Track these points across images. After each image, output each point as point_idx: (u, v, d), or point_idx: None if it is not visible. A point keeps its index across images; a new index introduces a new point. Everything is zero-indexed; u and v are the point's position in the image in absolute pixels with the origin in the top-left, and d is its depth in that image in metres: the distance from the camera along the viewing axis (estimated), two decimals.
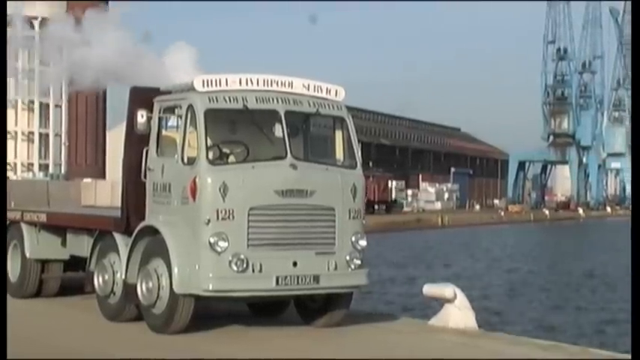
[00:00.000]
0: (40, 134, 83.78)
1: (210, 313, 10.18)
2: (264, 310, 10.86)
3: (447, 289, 10.52)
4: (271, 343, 9.46)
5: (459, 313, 10.39)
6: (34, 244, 12.14)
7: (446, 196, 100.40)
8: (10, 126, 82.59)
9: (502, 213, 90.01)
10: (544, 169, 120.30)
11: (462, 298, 10.49)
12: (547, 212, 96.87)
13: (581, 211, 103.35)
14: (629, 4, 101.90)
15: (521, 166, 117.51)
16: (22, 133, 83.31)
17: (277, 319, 10.71)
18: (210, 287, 9.09)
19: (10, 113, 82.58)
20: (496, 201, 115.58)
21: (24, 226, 12.27)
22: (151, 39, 12.86)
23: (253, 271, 9.16)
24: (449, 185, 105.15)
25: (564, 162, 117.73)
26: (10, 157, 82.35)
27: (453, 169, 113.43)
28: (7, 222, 12.73)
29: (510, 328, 16.82)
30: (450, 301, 10.45)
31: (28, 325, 10.58)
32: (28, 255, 12.14)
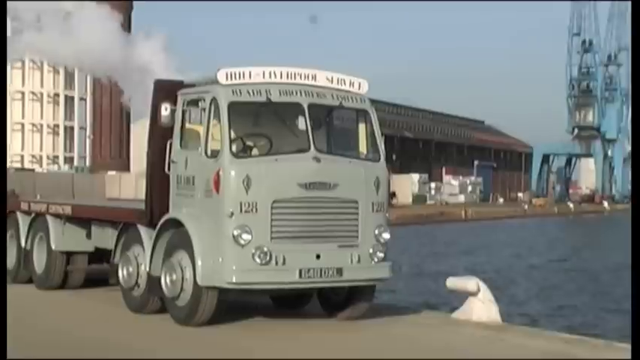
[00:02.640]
0: (65, 127, 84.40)
1: (233, 305, 10.23)
2: (287, 303, 10.89)
3: (470, 283, 10.50)
4: (294, 336, 9.49)
5: (482, 307, 10.37)
6: (60, 236, 12.24)
7: (469, 189, 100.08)
8: (36, 119, 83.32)
9: (526, 206, 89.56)
10: (568, 162, 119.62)
11: (485, 292, 10.47)
12: (571, 206, 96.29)
13: (605, 204, 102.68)
14: None
15: (546, 159, 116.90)
16: (48, 126, 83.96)
17: (300, 311, 10.74)
18: (234, 280, 9.13)
19: (36, 106, 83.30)
20: (520, 194, 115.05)
21: (49, 219, 12.37)
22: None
23: (276, 263, 9.18)
24: (472, 178, 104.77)
25: (589, 155, 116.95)
26: (35, 150, 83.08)
27: (476, 162, 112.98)
28: (33, 214, 12.84)
29: (534, 322, 16.78)
30: (473, 294, 10.43)
31: (53, 317, 10.68)
32: (53, 247, 12.23)
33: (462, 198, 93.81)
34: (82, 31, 13.04)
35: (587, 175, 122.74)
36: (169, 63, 12.16)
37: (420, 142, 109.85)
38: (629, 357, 7.58)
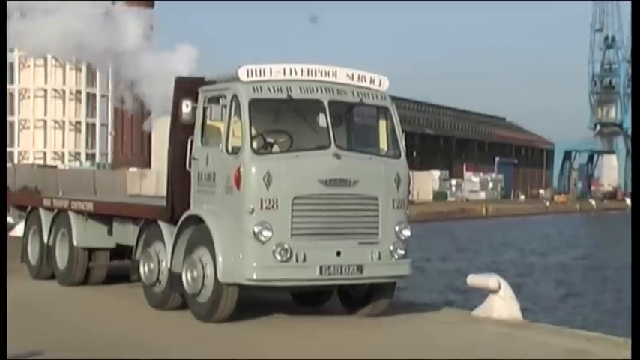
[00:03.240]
0: (87, 124, 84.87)
1: (254, 302, 10.25)
2: (307, 300, 10.90)
3: (491, 280, 10.47)
4: (314, 332, 9.50)
5: (503, 304, 10.34)
6: (82, 233, 12.31)
7: (490, 186, 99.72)
8: (58, 116, 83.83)
9: (547, 203, 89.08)
10: (590, 158, 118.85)
11: (506, 289, 10.43)
12: (593, 203, 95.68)
13: (628, 201, 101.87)
14: None
15: (567, 155, 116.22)
16: (70, 123, 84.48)
17: (320, 308, 10.75)
18: (254, 276, 9.15)
19: (58, 103, 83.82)
20: (541, 191, 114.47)
21: (72, 215, 12.44)
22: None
23: (297, 260, 9.19)
24: (493, 175, 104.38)
25: (611, 152, 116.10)
26: (58, 147, 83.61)
27: (497, 159, 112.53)
28: (56, 211, 12.93)
29: (555, 320, 16.69)
30: (494, 291, 10.40)
31: (75, 313, 10.75)
32: (75, 243, 12.31)
33: (482, 195, 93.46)
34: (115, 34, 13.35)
35: (610, 171, 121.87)
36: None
37: (441, 138, 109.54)
38: None
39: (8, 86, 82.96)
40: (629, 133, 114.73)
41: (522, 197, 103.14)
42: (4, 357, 6.88)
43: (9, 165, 41.92)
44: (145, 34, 14.03)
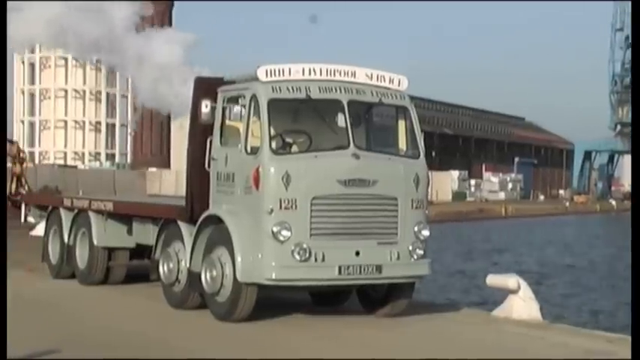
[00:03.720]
0: (107, 124, 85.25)
1: (273, 301, 10.26)
2: (326, 300, 10.90)
3: (510, 280, 10.43)
4: (332, 332, 9.50)
5: (522, 304, 10.30)
6: (102, 232, 12.36)
7: (509, 186, 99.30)
8: (78, 116, 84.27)
9: (567, 204, 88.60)
10: (611, 158, 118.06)
11: (525, 289, 10.39)
12: (614, 203, 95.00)
13: None
14: None
15: (588, 156, 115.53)
16: (90, 123, 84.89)
17: (339, 308, 10.74)
18: (273, 276, 9.16)
19: (79, 103, 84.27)
20: (561, 191, 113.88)
21: (92, 215, 12.50)
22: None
23: (316, 260, 9.20)
24: (512, 175, 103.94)
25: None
26: (78, 147, 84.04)
27: (516, 159, 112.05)
28: (76, 210, 12.99)
29: (575, 320, 16.60)
30: (513, 291, 10.36)
31: (94, 312, 10.80)
32: (95, 243, 12.37)
33: (502, 195, 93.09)
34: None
35: (630, 171, 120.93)
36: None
37: (460, 138, 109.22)
38: None
39: (29, 87, 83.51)
40: None
41: (542, 197, 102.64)
42: (4, 357, 6.92)
43: (30, 165, 42.19)
44: (134, 23, 14.24)
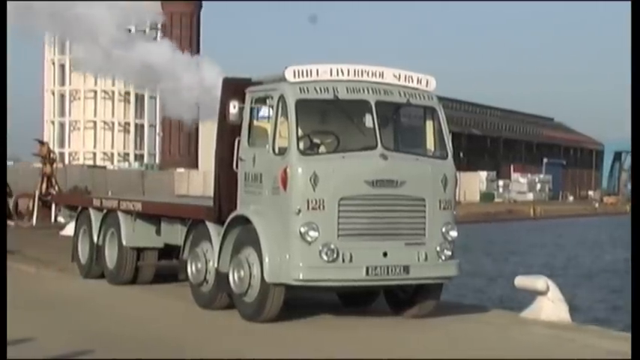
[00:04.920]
0: (136, 125, 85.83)
1: (300, 302, 10.27)
2: (353, 300, 10.89)
3: (539, 282, 10.37)
4: (360, 333, 9.49)
5: (551, 306, 10.23)
6: (131, 232, 12.43)
7: (538, 187, 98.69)
8: (107, 117, 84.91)
9: (596, 205, 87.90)
10: None
11: (554, 291, 10.32)
12: None
13: None
14: None
15: (617, 156, 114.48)
16: (119, 124, 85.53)
17: (367, 309, 10.73)
18: (301, 277, 9.16)
19: (108, 104, 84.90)
20: (590, 192, 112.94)
21: (120, 215, 12.58)
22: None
23: (343, 260, 9.19)
24: (541, 176, 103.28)
25: None
26: (107, 148, 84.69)
27: (545, 160, 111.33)
28: (105, 211, 13.08)
29: (605, 323, 16.45)
30: (542, 293, 10.30)
31: (123, 311, 10.87)
32: (124, 243, 12.44)
33: (530, 196, 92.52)
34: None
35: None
36: None
37: (488, 139, 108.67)
38: None
39: (59, 88, 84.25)
40: None
41: (571, 198, 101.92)
42: (4, 357, 6.99)
43: (60, 165, 42.56)
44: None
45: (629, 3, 9.21)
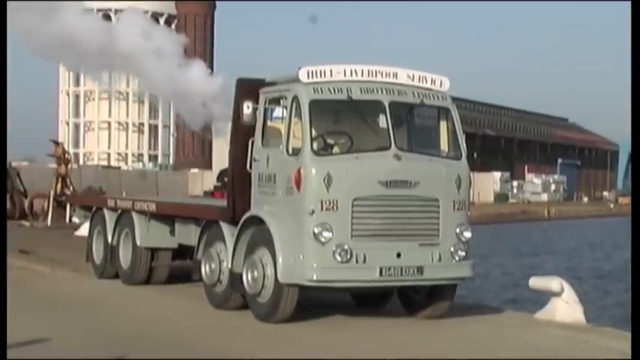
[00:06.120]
0: (150, 125, 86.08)
1: (314, 302, 10.27)
2: (367, 301, 10.88)
3: (553, 282, 10.33)
4: (374, 334, 9.49)
5: (566, 307, 10.19)
6: (145, 233, 12.47)
7: (552, 187, 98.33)
8: (122, 117, 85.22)
9: (611, 205, 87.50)
10: None
11: (569, 292, 10.28)
12: None
13: None
14: None
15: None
16: (133, 125, 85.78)
17: (380, 310, 10.72)
18: (315, 277, 9.17)
19: (122, 105, 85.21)
20: (605, 193, 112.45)
21: (135, 215, 12.61)
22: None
23: (357, 261, 9.19)
24: (556, 177, 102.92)
25: None
26: (121, 148, 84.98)
27: (560, 160, 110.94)
28: (119, 211, 13.12)
29: (620, 324, 16.38)
30: (557, 294, 10.26)
31: (138, 312, 10.90)
32: (138, 243, 12.47)
33: (544, 197, 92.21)
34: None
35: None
36: None
37: (502, 139, 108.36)
38: None
39: (74, 88, 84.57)
40: None
41: (586, 199, 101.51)
42: (4, 357, 7.01)
43: (74, 166, 42.74)
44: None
45: None
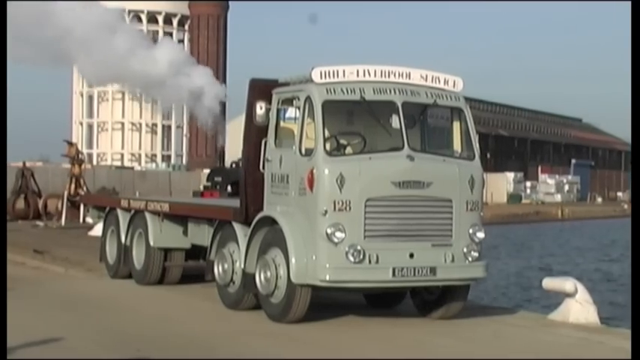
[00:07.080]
0: (163, 126, 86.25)
1: (327, 303, 10.27)
2: (380, 301, 10.88)
3: (567, 283, 10.29)
4: (386, 334, 9.48)
5: (579, 308, 10.15)
6: (158, 233, 12.49)
7: (566, 188, 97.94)
8: (135, 118, 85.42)
9: (625, 206, 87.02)
10: None
11: (583, 293, 10.24)
12: None
13: None
14: None
15: None
16: (146, 125, 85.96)
17: (393, 310, 10.72)
18: (327, 278, 9.16)
19: (135, 106, 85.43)
20: (619, 194, 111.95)
21: (148, 216, 12.64)
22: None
23: (370, 262, 9.18)
24: (569, 177, 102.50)
25: None
26: (134, 149, 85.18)
27: (573, 161, 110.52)
28: (132, 211, 13.15)
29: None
30: (570, 295, 10.22)
31: (151, 312, 10.93)
32: (152, 243, 12.50)
33: (558, 197, 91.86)
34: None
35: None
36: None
37: (516, 140, 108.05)
38: None
39: (87, 89, 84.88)
40: None
41: (599, 200, 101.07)
42: (4, 357, 7.04)
43: (88, 166, 42.87)
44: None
45: None
